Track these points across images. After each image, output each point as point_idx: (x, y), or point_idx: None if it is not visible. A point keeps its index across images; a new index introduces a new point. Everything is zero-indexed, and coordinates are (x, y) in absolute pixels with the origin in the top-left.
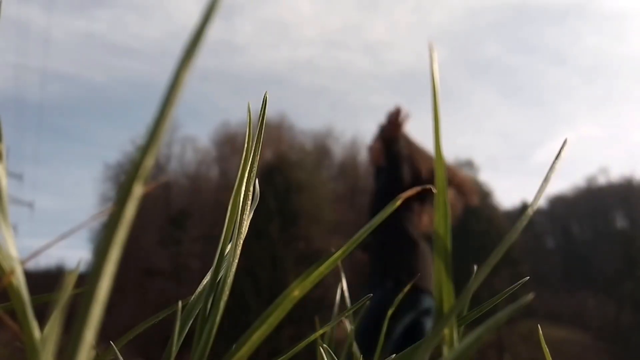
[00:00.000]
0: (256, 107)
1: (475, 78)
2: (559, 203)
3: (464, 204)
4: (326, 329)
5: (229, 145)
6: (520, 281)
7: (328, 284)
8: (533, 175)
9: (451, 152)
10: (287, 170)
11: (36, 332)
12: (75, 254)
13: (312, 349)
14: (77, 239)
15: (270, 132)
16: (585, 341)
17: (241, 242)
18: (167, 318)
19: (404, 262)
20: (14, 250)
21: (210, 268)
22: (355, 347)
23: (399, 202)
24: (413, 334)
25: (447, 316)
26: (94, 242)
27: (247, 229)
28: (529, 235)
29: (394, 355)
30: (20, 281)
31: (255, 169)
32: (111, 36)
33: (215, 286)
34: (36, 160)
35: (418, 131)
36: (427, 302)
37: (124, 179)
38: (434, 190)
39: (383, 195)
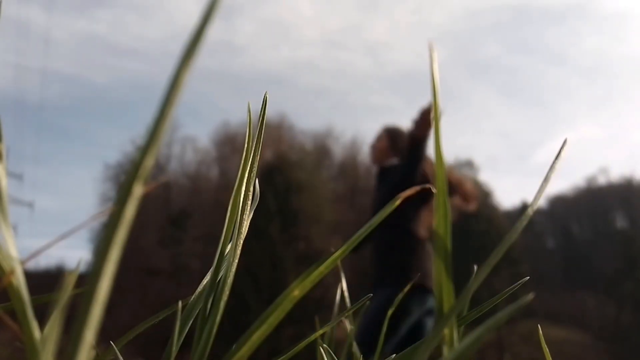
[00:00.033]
0: (256, 107)
1: (475, 78)
2: (559, 203)
3: (464, 211)
4: (326, 329)
5: (229, 145)
6: (520, 281)
7: (328, 284)
8: (533, 175)
9: (451, 152)
10: (287, 170)
11: (36, 332)
12: (75, 254)
13: (312, 349)
14: (77, 239)
15: (270, 132)
16: (585, 341)
17: (241, 242)
18: (167, 318)
19: (411, 262)
20: (14, 250)
21: (210, 268)
22: (355, 347)
23: (398, 202)
24: (418, 334)
25: (447, 316)
26: (94, 242)
27: (247, 229)
28: (529, 235)
29: (394, 355)
30: (20, 281)
31: (255, 169)
32: (111, 36)
33: (215, 286)
34: (36, 160)
35: None
36: (433, 301)
37: (124, 179)
38: (434, 191)
39: (395, 195)
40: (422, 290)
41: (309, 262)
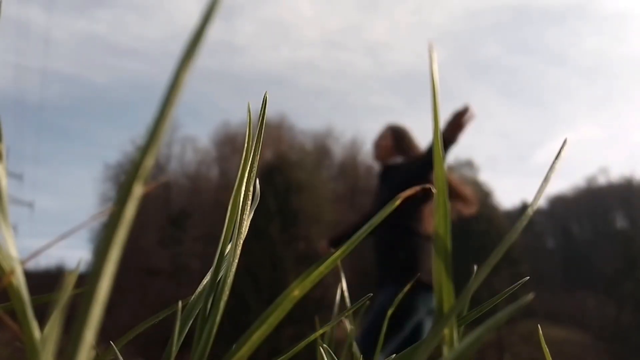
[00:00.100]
0: (256, 107)
1: (475, 78)
2: (559, 203)
3: (465, 214)
4: (326, 329)
5: (229, 145)
6: (520, 281)
7: (328, 284)
8: (533, 175)
9: (451, 152)
10: (287, 170)
11: (36, 332)
12: (75, 254)
13: (312, 349)
14: (77, 239)
15: (270, 132)
16: (585, 341)
17: (241, 242)
18: (167, 318)
19: (416, 260)
20: (14, 250)
21: (210, 268)
22: (355, 347)
23: (398, 202)
24: (419, 333)
25: (447, 316)
26: (94, 242)
27: (247, 229)
28: (529, 235)
29: (394, 355)
30: (20, 281)
31: (255, 169)
32: (111, 36)
33: (215, 286)
34: (36, 160)
35: (418, 131)
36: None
37: (124, 179)
38: (434, 190)
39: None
40: (427, 288)
41: (309, 262)
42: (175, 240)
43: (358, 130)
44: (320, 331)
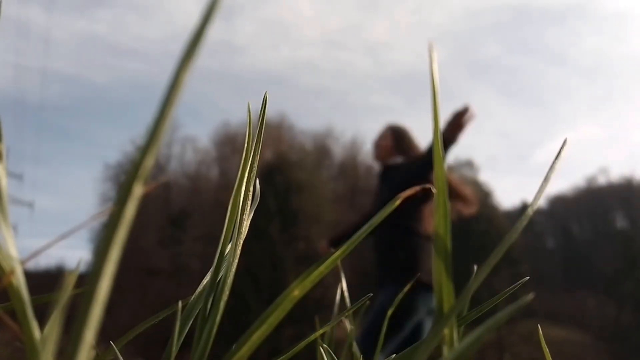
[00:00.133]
0: (256, 107)
1: (475, 78)
2: (559, 203)
3: (465, 214)
4: (326, 329)
5: (229, 145)
6: (520, 281)
7: (328, 284)
8: (533, 175)
9: (451, 152)
10: (287, 170)
11: (36, 332)
12: (75, 254)
13: (312, 349)
14: (77, 239)
15: (270, 132)
16: (585, 341)
17: (241, 242)
18: (167, 318)
19: (416, 260)
20: (14, 250)
21: (210, 268)
22: (355, 347)
23: (398, 202)
24: (420, 332)
25: (447, 316)
26: (94, 242)
27: (247, 229)
28: (529, 235)
29: (394, 355)
30: (20, 281)
31: (255, 169)
32: (111, 36)
33: (215, 286)
34: (36, 160)
35: (418, 131)
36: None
37: (124, 179)
38: (434, 190)
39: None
40: (427, 288)
41: (309, 262)
42: (175, 240)
43: (358, 130)
44: (320, 331)
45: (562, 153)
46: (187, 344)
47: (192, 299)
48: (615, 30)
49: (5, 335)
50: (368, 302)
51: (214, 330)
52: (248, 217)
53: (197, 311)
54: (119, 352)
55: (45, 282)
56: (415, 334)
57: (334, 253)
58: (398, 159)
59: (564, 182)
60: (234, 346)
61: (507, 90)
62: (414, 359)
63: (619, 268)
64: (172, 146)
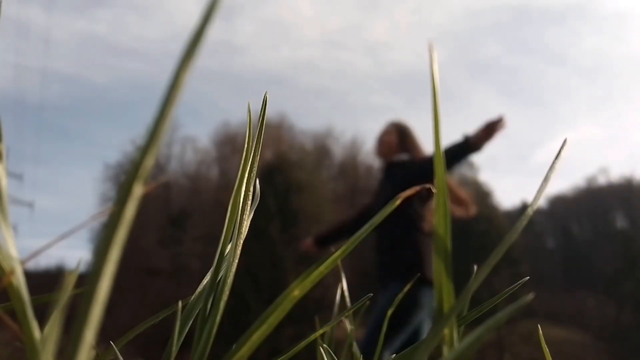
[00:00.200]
0: (256, 107)
1: (475, 78)
2: (559, 203)
3: (464, 217)
4: (326, 329)
5: (229, 145)
6: (520, 281)
7: (328, 284)
8: (533, 175)
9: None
10: (287, 170)
11: (36, 332)
12: (75, 254)
13: (312, 349)
14: (77, 239)
15: (270, 132)
16: (585, 341)
17: (241, 242)
18: (167, 318)
19: (421, 256)
20: (14, 250)
21: (210, 268)
22: (355, 347)
23: (398, 202)
24: (421, 330)
25: (447, 316)
26: (94, 242)
27: (247, 229)
28: (529, 235)
29: (394, 355)
30: (20, 281)
31: (255, 169)
32: (111, 36)
33: (215, 286)
34: (36, 160)
35: (418, 131)
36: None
37: (124, 179)
38: (434, 190)
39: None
40: (432, 285)
41: (309, 262)
42: (175, 240)
43: (358, 130)
44: (320, 331)
45: (562, 153)
46: (187, 344)
47: (192, 299)
48: (615, 30)
49: (5, 335)
50: (368, 302)
51: (214, 330)
52: (248, 217)
53: (197, 311)
54: (119, 352)
55: (45, 282)
56: (418, 333)
57: (316, 251)
58: (403, 156)
59: (564, 182)
60: (234, 346)
61: (507, 90)
62: (414, 359)
63: (619, 268)
64: (172, 146)
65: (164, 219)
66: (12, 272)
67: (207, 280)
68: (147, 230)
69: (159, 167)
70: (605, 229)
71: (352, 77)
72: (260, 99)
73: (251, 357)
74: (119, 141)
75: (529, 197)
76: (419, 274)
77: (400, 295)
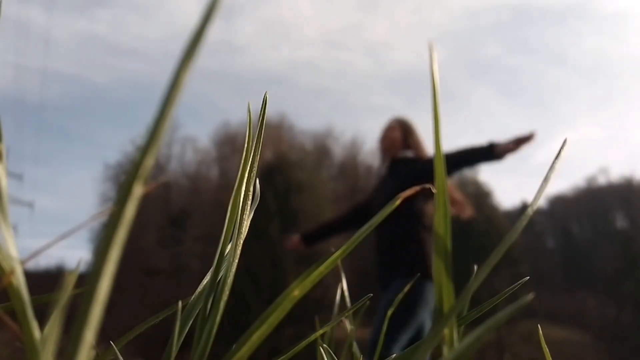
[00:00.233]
0: (256, 107)
1: (475, 78)
2: (559, 203)
3: (461, 218)
4: (326, 329)
5: (229, 145)
6: (520, 281)
7: (328, 284)
8: (533, 175)
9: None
10: (287, 170)
11: (36, 332)
12: (75, 254)
13: (312, 349)
14: (77, 239)
15: (270, 132)
16: (585, 341)
17: (241, 242)
18: (167, 318)
19: (426, 253)
20: (14, 250)
21: (210, 268)
22: (355, 347)
23: (398, 202)
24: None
25: (447, 316)
26: (94, 242)
27: (247, 229)
28: (529, 235)
29: (394, 355)
30: (20, 281)
31: (255, 169)
32: (111, 36)
33: (215, 286)
34: (36, 160)
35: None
36: None
37: (124, 179)
38: (434, 190)
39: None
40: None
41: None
42: (175, 240)
43: (358, 130)
44: (320, 331)
45: (562, 153)
46: (187, 344)
47: (192, 299)
48: (615, 30)
49: (5, 335)
50: (368, 302)
51: (214, 330)
52: (248, 217)
53: (197, 311)
54: (119, 352)
55: (45, 282)
56: (423, 328)
57: (303, 249)
58: (408, 153)
59: (564, 182)
60: (234, 346)
61: (507, 90)
62: (414, 359)
63: (619, 268)
64: (172, 146)
65: (164, 219)
66: (12, 272)
67: (207, 280)
68: (147, 230)
69: (159, 167)
70: (605, 229)
71: (352, 77)
72: (260, 99)
73: (251, 357)
74: (119, 141)
75: (529, 197)
76: (424, 269)
77: (405, 290)
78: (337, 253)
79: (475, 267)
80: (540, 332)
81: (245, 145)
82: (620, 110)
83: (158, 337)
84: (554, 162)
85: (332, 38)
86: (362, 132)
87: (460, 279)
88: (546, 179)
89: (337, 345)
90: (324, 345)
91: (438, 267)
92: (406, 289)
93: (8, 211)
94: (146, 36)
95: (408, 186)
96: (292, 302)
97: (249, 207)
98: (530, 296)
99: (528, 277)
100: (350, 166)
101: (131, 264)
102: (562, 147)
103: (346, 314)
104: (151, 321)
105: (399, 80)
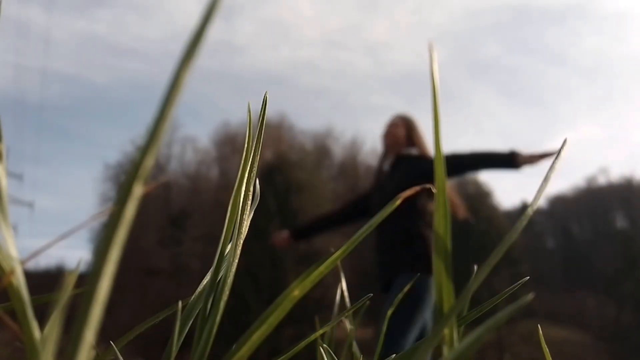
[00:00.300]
0: (256, 107)
1: (475, 78)
2: (559, 203)
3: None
4: (326, 329)
5: (229, 145)
6: (520, 281)
7: (328, 284)
8: (533, 175)
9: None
10: (287, 170)
11: (36, 332)
12: (75, 254)
13: (312, 349)
14: (77, 239)
15: (270, 132)
16: (585, 341)
17: (241, 242)
18: (167, 318)
19: (429, 249)
20: (14, 250)
21: (210, 268)
22: (355, 347)
23: (398, 202)
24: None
25: (447, 316)
26: (94, 242)
27: (247, 229)
28: (529, 235)
29: (394, 355)
30: (20, 281)
31: (255, 169)
32: (111, 36)
33: (215, 286)
34: (36, 160)
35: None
36: None
37: (124, 179)
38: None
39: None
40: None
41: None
42: (175, 240)
43: (358, 130)
44: (320, 331)
45: (562, 153)
46: (187, 344)
47: (192, 299)
48: (615, 30)
49: (5, 335)
50: (368, 302)
51: (214, 330)
52: (248, 217)
53: (197, 311)
54: (119, 352)
55: (45, 282)
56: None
57: (293, 245)
58: (412, 150)
59: (564, 182)
60: (234, 346)
61: (507, 90)
62: (414, 359)
63: (619, 268)
64: (172, 146)
65: (164, 219)
66: (12, 272)
67: (207, 280)
68: (147, 230)
69: (159, 167)
70: (605, 229)
71: (352, 77)
72: (260, 99)
73: (251, 357)
74: (119, 141)
75: (529, 197)
76: (429, 265)
77: (411, 285)
78: (337, 253)
79: (475, 267)
80: (540, 332)
81: (245, 145)
82: (620, 110)
83: (158, 337)
84: (554, 162)
85: (332, 38)
86: (362, 132)
87: (460, 279)
88: (546, 179)
89: (337, 345)
90: (324, 345)
91: (438, 267)
92: (405, 290)
93: (8, 211)
94: (146, 36)
95: (411, 184)
96: (292, 302)
97: (249, 207)
98: (530, 296)
99: (528, 277)
100: (350, 166)
101: (131, 264)
102: (562, 147)
103: (346, 314)
104: (151, 321)
105: (399, 80)
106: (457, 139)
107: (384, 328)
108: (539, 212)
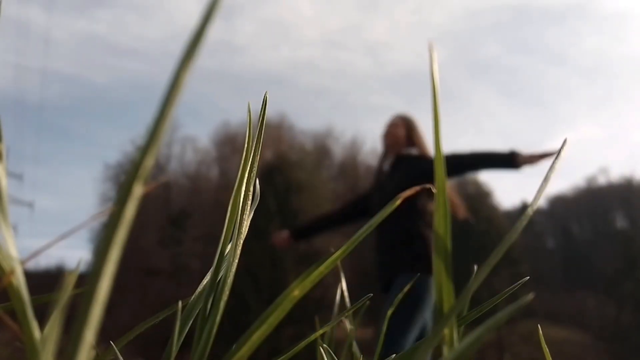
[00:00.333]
0: (256, 107)
1: (475, 78)
2: (559, 203)
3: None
4: (326, 329)
5: (229, 145)
6: (520, 281)
7: (328, 284)
8: (533, 175)
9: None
10: (287, 170)
11: (36, 332)
12: (75, 254)
13: (312, 349)
14: (77, 239)
15: (270, 132)
16: (585, 341)
17: (241, 242)
18: (167, 318)
19: (429, 249)
20: (14, 250)
21: (210, 268)
22: (355, 347)
23: (398, 202)
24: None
25: (447, 316)
26: (94, 242)
27: (247, 229)
28: (529, 235)
29: (394, 355)
30: (20, 281)
31: (255, 169)
32: (111, 36)
33: (215, 286)
34: (36, 160)
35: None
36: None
37: (124, 179)
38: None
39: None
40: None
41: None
42: (175, 240)
43: (358, 130)
44: (320, 331)
45: (562, 153)
46: (187, 344)
47: (192, 299)
48: (615, 30)
49: (5, 335)
50: (368, 302)
51: (214, 330)
52: (248, 217)
53: (197, 311)
54: (119, 352)
55: (45, 282)
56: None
57: (293, 245)
58: (413, 150)
59: (564, 182)
60: (234, 346)
61: (507, 90)
62: (414, 359)
63: (619, 268)
64: (172, 146)
65: (164, 219)
66: (12, 272)
67: (207, 280)
68: (147, 230)
69: (159, 167)
70: (605, 229)
71: (352, 77)
72: (260, 99)
73: (251, 357)
74: (119, 141)
75: (529, 197)
76: (429, 265)
77: (411, 285)
78: (337, 253)
79: (475, 267)
80: (540, 332)
81: (245, 145)
82: (620, 110)
83: (158, 337)
84: (554, 162)
85: (332, 38)
86: (362, 132)
87: (460, 279)
88: (546, 179)
89: (337, 345)
90: (324, 345)
91: (438, 267)
92: (408, 286)
93: (8, 211)
94: (146, 36)
95: (411, 184)
96: (292, 302)
97: (249, 207)
98: (530, 296)
99: (528, 277)
100: (350, 166)
101: (131, 264)
102: (562, 147)
103: (346, 314)
104: (151, 321)
105: (399, 80)
106: (457, 139)
107: (384, 328)
108: (539, 212)
